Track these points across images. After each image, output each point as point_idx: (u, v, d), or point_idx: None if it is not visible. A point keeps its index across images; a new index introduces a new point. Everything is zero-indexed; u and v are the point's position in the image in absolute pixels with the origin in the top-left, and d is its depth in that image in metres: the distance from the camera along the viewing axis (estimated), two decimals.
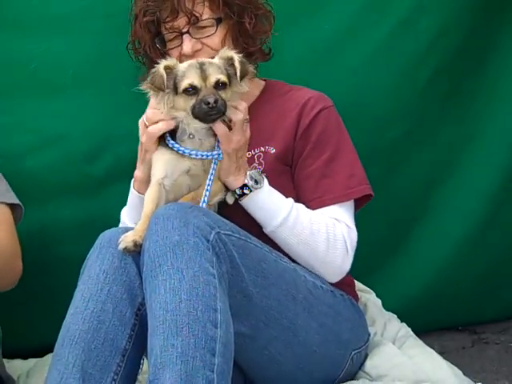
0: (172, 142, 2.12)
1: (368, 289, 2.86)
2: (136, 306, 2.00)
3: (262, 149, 2.35)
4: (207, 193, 2.09)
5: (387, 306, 2.89)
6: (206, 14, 2.33)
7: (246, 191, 2.18)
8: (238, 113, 2.11)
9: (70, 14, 2.80)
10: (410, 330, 2.62)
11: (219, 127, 2.09)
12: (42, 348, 2.96)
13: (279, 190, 2.25)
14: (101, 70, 2.85)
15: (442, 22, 2.95)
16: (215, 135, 2.12)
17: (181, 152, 2.10)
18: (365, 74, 2.93)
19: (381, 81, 2.95)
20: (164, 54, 2.40)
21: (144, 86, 2.12)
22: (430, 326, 3.10)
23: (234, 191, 2.20)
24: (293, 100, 2.39)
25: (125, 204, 2.87)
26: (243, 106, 2.13)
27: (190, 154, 2.10)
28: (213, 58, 2.27)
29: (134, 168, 2.90)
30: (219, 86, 2.06)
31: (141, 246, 1.99)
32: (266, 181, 2.22)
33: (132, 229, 2.07)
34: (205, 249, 1.90)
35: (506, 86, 3.07)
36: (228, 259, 1.96)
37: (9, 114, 2.79)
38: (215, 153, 2.11)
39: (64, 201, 2.86)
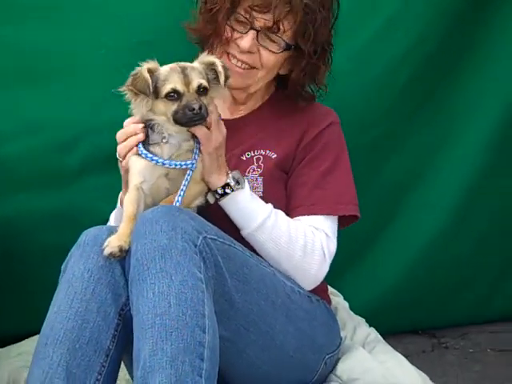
0: (144, 152, 2.09)
1: (336, 291, 2.92)
2: (120, 306, 1.99)
3: (263, 152, 2.35)
4: (180, 198, 2.06)
5: (352, 309, 2.95)
6: (286, 36, 2.27)
7: (227, 190, 2.18)
8: (212, 113, 2.10)
9: (56, 2, 2.78)
10: (378, 334, 2.68)
11: (199, 130, 2.09)
12: (5, 338, 2.94)
13: (273, 196, 2.27)
14: (82, 60, 2.83)
15: (419, 30, 3.03)
16: (193, 137, 2.12)
17: (154, 162, 2.08)
18: (345, 77, 2.95)
19: (361, 84, 3.01)
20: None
21: (124, 88, 2.08)
22: (391, 328, 3.15)
23: (215, 191, 2.20)
24: (302, 113, 2.40)
25: (99, 197, 2.87)
26: (213, 106, 2.13)
27: (164, 164, 2.08)
28: (243, 69, 2.30)
29: (110, 160, 2.89)
30: (200, 90, 2.06)
31: (126, 251, 1.98)
32: (246, 182, 2.23)
33: (116, 227, 2.06)
34: (192, 253, 1.90)
35: (478, 90, 3.16)
36: (213, 264, 1.97)
37: None
38: (189, 162, 2.09)
39: (37, 190, 2.84)
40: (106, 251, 1.97)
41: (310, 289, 2.32)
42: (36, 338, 2.81)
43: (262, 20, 2.24)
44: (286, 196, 2.34)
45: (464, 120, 3.17)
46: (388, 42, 3.01)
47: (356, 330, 2.69)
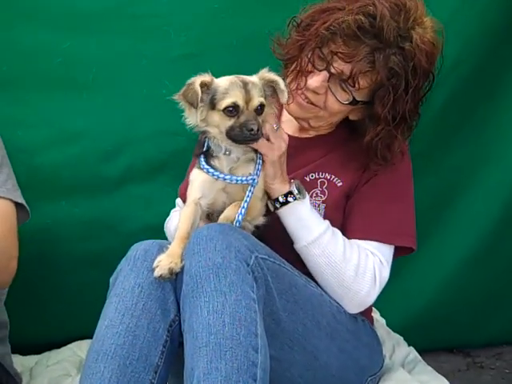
0: (206, 166, 2.07)
1: (373, 308, 2.89)
2: (168, 322, 1.98)
3: (328, 176, 2.31)
4: (241, 216, 2.05)
5: (388, 325, 2.94)
6: (361, 91, 2.16)
7: (289, 199, 2.15)
8: (265, 124, 2.06)
9: (98, 12, 2.78)
10: (417, 354, 2.66)
11: (260, 144, 2.06)
12: (41, 345, 2.95)
13: (334, 223, 2.23)
14: (124, 70, 2.83)
15: (458, 49, 2.98)
16: (252, 149, 2.09)
17: (215, 177, 2.06)
18: None
19: None
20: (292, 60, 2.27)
21: (177, 97, 2.05)
22: (425, 346, 3.13)
23: (277, 199, 2.17)
24: None
25: (138, 206, 2.86)
26: (270, 115, 2.09)
27: (225, 179, 2.06)
28: (306, 102, 2.23)
29: (150, 170, 2.91)
30: (258, 109, 2.02)
31: (176, 274, 1.96)
32: (307, 195, 2.20)
33: (166, 242, 2.06)
34: (246, 273, 1.90)
35: None
36: (264, 283, 1.96)
37: (29, 107, 2.77)
38: (250, 178, 2.07)
39: (78, 199, 2.85)
40: (157, 273, 1.96)
41: (355, 312, 2.27)
42: (74, 345, 2.89)
43: (340, 66, 2.14)
44: (344, 216, 2.30)
45: (500, 143, 3.14)
46: None
47: (395, 348, 2.68)
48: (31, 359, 2.84)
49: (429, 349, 3.11)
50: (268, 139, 2.08)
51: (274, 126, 2.11)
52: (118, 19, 2.78)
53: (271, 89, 2.09)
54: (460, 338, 3.32)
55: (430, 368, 2.56)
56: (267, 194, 2.18)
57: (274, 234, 2.17)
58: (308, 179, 2.31)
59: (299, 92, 2.23)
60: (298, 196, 2.16)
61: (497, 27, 2.99)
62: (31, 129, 2.72)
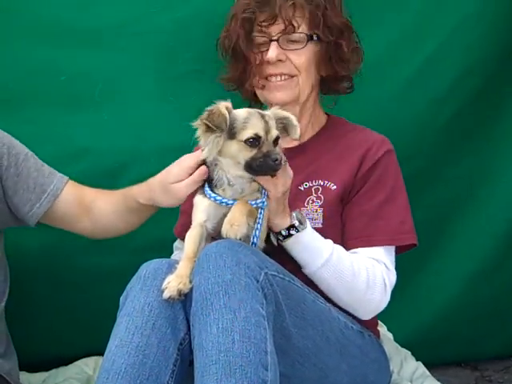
0: (211, 193, 2.09)
1: (380, 322, 2.89)
2: (178, 340, 1.98)
3: (321, 182, 2.34)
4: (256, 238, 2.06)
5: (395, 339, 2.93)
6: (301, 29, 2.33)
7: (292, 232, 2.17)
8: None
9: (104, 29, 2.79)
10: (426, 369, 2.65)
11: (263, 179, 2.08)
12: (48, 361, 2.95)
13: (333, 228, 2.27)
14: (130, 86, 2.84)
15: (467, 63, 3.00)
16: (254, 180, 2.10)
17: (223, 204, 2.07)
18: (389, 108, 2.97)
19: (404, 116, 2.99)
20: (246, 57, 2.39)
21: (198, 123, 2.04)
22: (433, 360, 3.12)
23: (279, 232, 2.18)
24: (357, 140, 2.40)
25: (147, 221, 2.86)
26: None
27: (233, 204, 2.06)
28: (292, 76, 2.33)
29: None
30: (275, 141, 2.04)
31: (185, 295, 1.97)
32: (307, 221, 2.21)
33: (176, 261, 2.06)
34: (255, 289, 1.90)
35: None
36: (274, 300, 1.96)
37: (35, 125, 2.76)
38: (259, 201, 2.08)
39: None
40: (165, 294, 1.96)
41: (369, 318, 2.32)
42: (81, 362, 2.88)
43: (275, 29, 2.31)
44: (342, 226, 2.33)
45: (505, 157, 3.15)
46: (434, 75, 2.99)
47: (403, 364, 2.67)
48: (38, 376, 2.84)
49: (436, 363, 3.10)
50: (273, 176, 2.08)
51: (284, 161, 2.10)
52: (122, 35, 2.79)
53: (281, 125, 2.12)
54: (468, 352, 3.30)
55: (438, 383, 2.55)
56: (269, 228, 2.18)
57: (282, 249, 2.20)
58: (302, 188, 2.33)
59: (274, 79, 2.34)
60: (299, 227, 2.17)
61: (502, 43, 3.00)
62: (36, 146, 2.67)
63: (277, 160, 1.99)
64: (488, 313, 3.24)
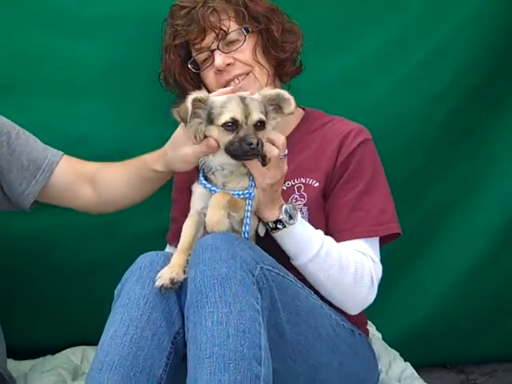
0: (203, 181, 2.10)
1: (369, 322, 2.90)
2: (173, 334, 1.97)
3: (303, 180, 2.33)
4: (247, 227, 2.06)
5: (383, 339, 2.95)
6: (232, 28, 2.34)
7: (279, 226, 2.17)
8: (274, 149, 2.06)
9: (102, 18, 2.77)
10: (414, 371, 2.67)
11: (253, 164, 2.07)
12: (35, 349, 2.94)
13: (319, 225, 2.26)
14: (126, 76, 2.82)
15: (463, 63, 3.01)
16: (244, 165, 2.10)
17: (213, 191, 2.07)
18: (385, 108, 2.98)
19: (401, 115, 2.99)
20: (195, 82, 2.42)
21: (173, 114, 2.09)
22: (418, 361, 3.14)
23: (267, 223, 2.18)
24: (333, 131, 2.40)
25: (138, 211, 2.86)
26: (281, 141, 2.08)
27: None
28: (247, 74, 2.33)
29: None
30: (258, 125, 2.03)
31: (178, 283, 1.96)
32: (299, 214, 2.20)
33: (172, 254, 2.06)
34: (250, 284, 1.90)
35: None
36: (269, 295, 1.96)
37: (31, 112, 2.73)
38: (246, 192, 2.07)
39: None
40: (158, 283, 1.95)
41: (356, 313, 2.32)
42: (68, 351, 2.88)
43: (209, 40, 2.35)
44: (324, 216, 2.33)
45: (503, 155, 3.16)
46: (431, 74, 3.00)
47: (391, 364, 2.69)
48: (25, 364, 2.83)
49: (422, 364, 3.11)
50: (265, 164, 2.07)
51: (281, 155, 2.10)
52: (121, 25, 2.77)
53: (275, 106, 2.10)
54: (454, 355, 3.32)
55: None
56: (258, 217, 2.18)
57: (275, 243, 2.20)
58: (285, 188, 2.31)
59: (233, 83, 2.34)
60: (287, 223, 2.16)
61: (500, 42, 3.02)
62: (32, 133, 2.69)
63: (251, 144, 1.96)
64: (476, 316, 3.25)
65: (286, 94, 2.10)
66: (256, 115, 2.02)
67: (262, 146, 2.01)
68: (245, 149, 1.98)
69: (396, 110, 2.98)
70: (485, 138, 3.14)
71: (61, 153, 2.44)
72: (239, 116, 2.00)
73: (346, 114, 2.59)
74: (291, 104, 2.09)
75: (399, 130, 2.99)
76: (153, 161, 2.29)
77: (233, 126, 2.01)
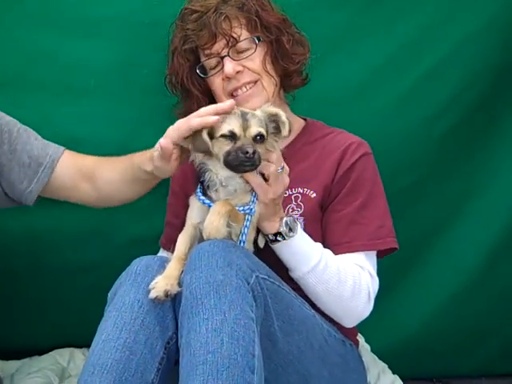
0: (202, 197, 2.08)
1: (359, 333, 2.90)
2: (166, 339, 1.97)
3: (301, 190, 2.34)
4: (244, 237, 2.06)
5: (372, 351, 2.95)
6: (243, 36, 2.35)
7: (278, 238, 2.17)
8: (270, 165, 2.07)
9: (103, 19, 2.77)
10: (402, 383, 2.67)
11: (253, 179, 2.07)
12: (21, 350, 2.92)
13: (315, 236, 2.26)
14: (125, 78, 2.82)
15: (464, 78, 3.02)
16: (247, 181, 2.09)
17: (208, 206, 2.05)
18: (384, 121, 2.98)
19: (398, 129, 3.00)
20: (202, 87, 2.43)
21: (187, 146, 2.07)
22: (405, 374, 3.15)
23: (267, 235, 2.19)
24: (333, 143, 2.41)
25: (131, 216, 2.85)
26: (274, 157, 2.08)
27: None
28: (255, 82, 2.33)
29: None
30: (257, 139, 2.02)
31: (172, 296, 1.96)
32: (299, 227, 2.21)
33: (167, 258, 2.05)
34: (246, 292, 1.90)
35: None
36: (263, 304, 1.96)
37: (27, 111, 2.70)
38: (247, 208, 2.06)
39: (71, 207, 2.78)
40: (152, 294, 1.95)
41: (351, 326, 2.33)
42: (55, 352, 2.87)
43: (219, 46, 2.34)
44: (322, 231, 2.34)
45: (502, 170, 3.17)
46: (431, 90, 3.01)
47: (380, 376, 2.69)
48: (11, 365, 2.83)
49: (410, 377, 3.12)
50: (267, 180, 2.08)
51: (279, 169, 2.10)
52: (121, 26, 2.77)
53: (275, 124, 2.10)
54: (442, 369, 3.33)
55: None
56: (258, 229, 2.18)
57: (272, 252, 2.20)
58: None
59: (240, 91, 2.35)
60: (287, 236, 2.16)
61: (499, 59, 3.03)
62: None
63: (247, 153, 1.96)
64: (464, 332, 3.26)
65: (283, 116, 2.10)
66: (255, 128, 2.02)
67: (260, 158, 2.00)
68: (241, 158, 1.98)
69: (393, 126, 2.99)
70: (484, 152, 3.14)
71: (62, 148, 2.45)
72: (238, 129, 2.01)
73: (342, 125, 2.60)
74: (285, 128, 2.09)
75: (394, 144, 2.99)
76: (142, 161, 2.28)
77: (231, 138, 2.01)
